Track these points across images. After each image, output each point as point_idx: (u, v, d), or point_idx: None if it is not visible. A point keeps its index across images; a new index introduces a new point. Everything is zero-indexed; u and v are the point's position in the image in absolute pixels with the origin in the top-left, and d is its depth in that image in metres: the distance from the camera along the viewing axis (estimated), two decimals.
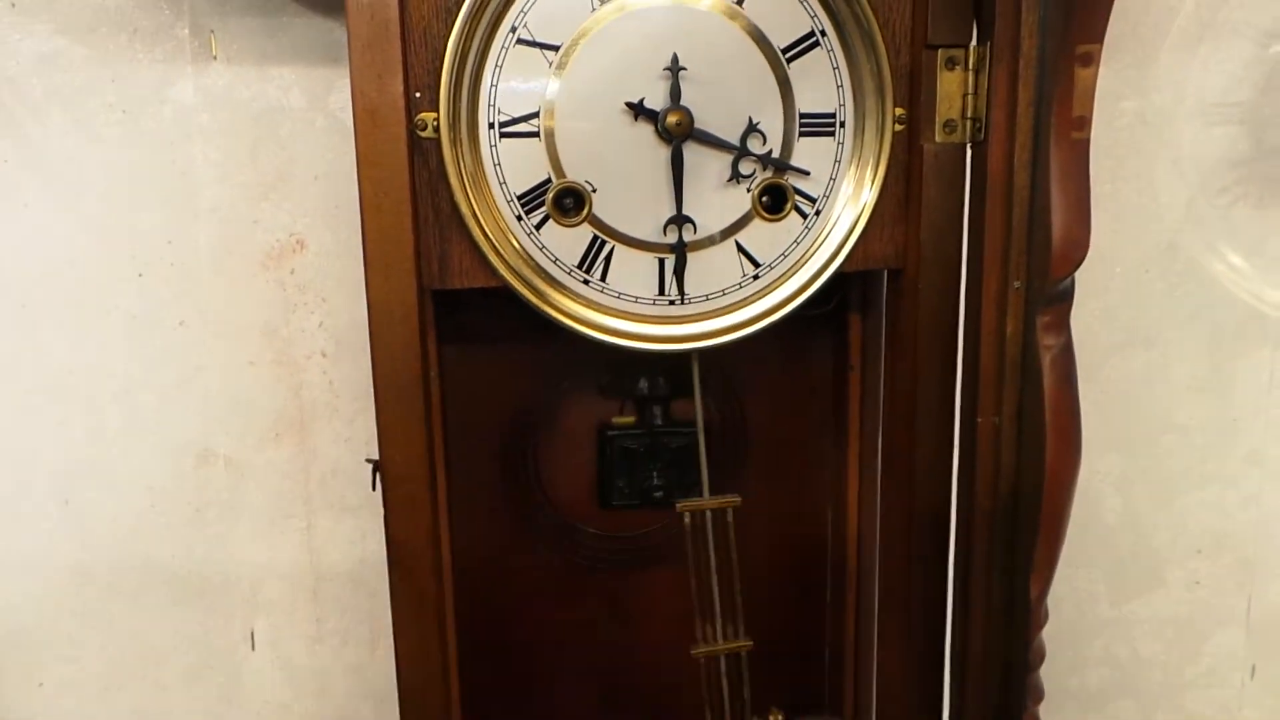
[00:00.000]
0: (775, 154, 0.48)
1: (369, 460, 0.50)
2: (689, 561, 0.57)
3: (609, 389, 0.61)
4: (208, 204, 0.61)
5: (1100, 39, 0.46)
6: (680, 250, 0.49)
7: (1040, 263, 0.47)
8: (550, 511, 0.62)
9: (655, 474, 0.61)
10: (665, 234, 0.49)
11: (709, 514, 0.56)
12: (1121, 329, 0.74)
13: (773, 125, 0.48)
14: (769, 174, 0.49)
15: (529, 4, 0.46)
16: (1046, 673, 0.56)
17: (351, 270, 0.58)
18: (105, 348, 0.62)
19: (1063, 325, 0.46)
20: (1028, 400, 0.48)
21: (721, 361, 0.60)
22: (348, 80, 0.57)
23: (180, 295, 0.62)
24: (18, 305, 0.61)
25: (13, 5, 0.57)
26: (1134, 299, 0.73)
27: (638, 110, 0.47)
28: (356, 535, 0.66)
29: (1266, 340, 0.75)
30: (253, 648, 0.67)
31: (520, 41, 0.46)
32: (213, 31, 0.59)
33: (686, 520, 0.55)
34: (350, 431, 0.65)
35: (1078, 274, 0.51)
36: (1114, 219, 0.70)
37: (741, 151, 0.48)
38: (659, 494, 0.61)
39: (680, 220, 0.48)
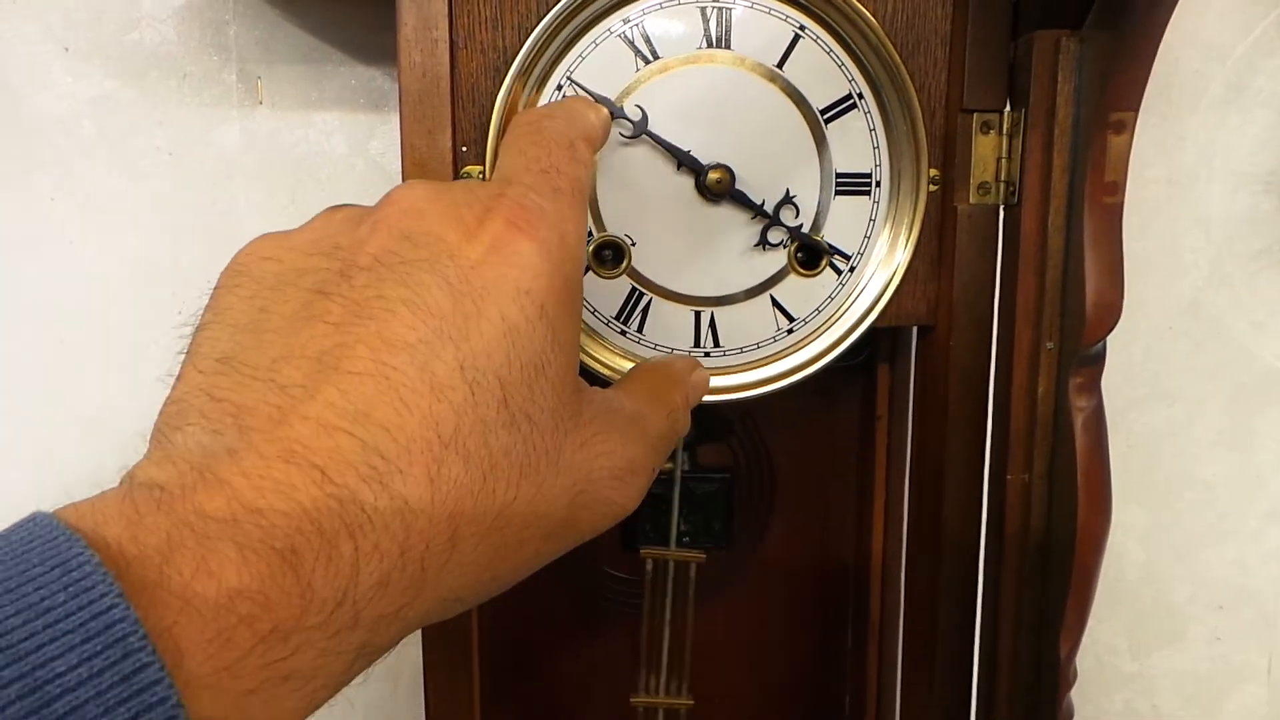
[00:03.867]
0: (810, 218, 0.49)
1: None
2: (644, 608, 0.58)
3: None
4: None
5: (1135, 107, 0.47)
6: (716, 303, 0.50)
7: (1074, 325, 0.47)
8: (575, 552, 0.63)
9: (682, 519, 0.62)
10: (702, 287, 0.50)
11: (671, 564, 0.58)
12: (1144, 384, 0.74)
13: (809, 184, 0.49)
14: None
15: (575, 64, 0.47)
16: None
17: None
18: (142, 384, 0.63)
19: (1094, 387, 0.47)
20: (1059, 459, 0.49)
21: (749, 407, 0.61)
22: (388, 126, 0.59)
23: None
24: (57, 341, 0.62)
25: (66, 50, 0.59)
26: (1157, 355, 0.74)
27: (682, 160, 0.48)
28: None
29: None
30: None
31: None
32: (259, 77, 0.60)
33: (649, 567, 0.57)
34: None
35: None
36: (1138, 276, 0.71)
37: (773, 221, 0.49)
38: (685, 539, 0.62)
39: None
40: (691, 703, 0.59)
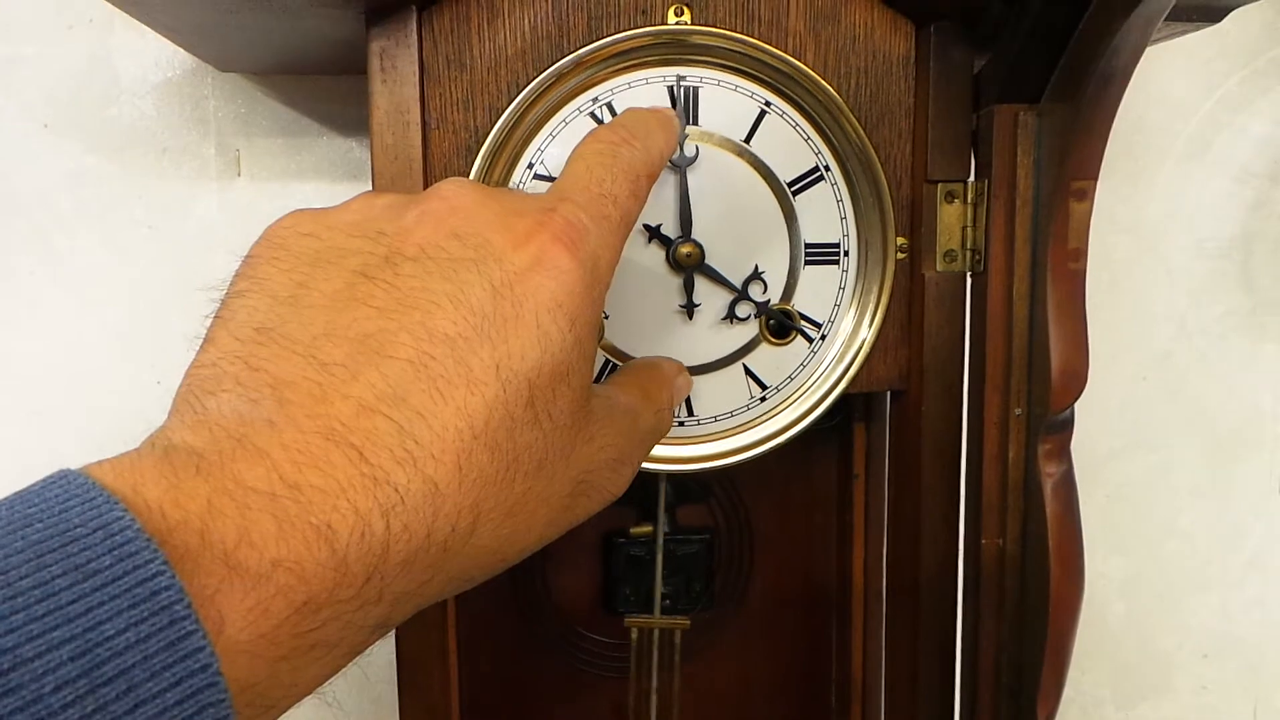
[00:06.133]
0: (781, 287, 0.50)
1: None
2: (630, 676, 0.58)
3: (623, 500, 0.62)
4: None
5: (1095, 175, 0.48)
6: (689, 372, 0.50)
7: (1041, 392, 0.48)
8: (555, 617, 0.63)
9: (664, 580, 0.62)
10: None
11: (656, 633, 0.58)
12: (1123, 434, 0.75)
13: (779, 254, 0.50)
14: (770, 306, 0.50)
15: (546, 142, 0.48)
16: None
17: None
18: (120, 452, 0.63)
19: (1063, 453, 0.47)
20: (1031, 525, 0.49)
21: (728, 469, 0.61)
22: None
23: None
24: (31, 413, 0.62)
25: (45, 126, 0.60)
26: (1133, 405, 0.74)
27: (653, 234, 0.49)
28: None
29: (1265, 444, 0.76)
30: None
31: (537, 177, 0.48)
32: (238, 150, 0.61)
33: (634, 635, 0.57)
34: None
35: None
36: (1111, 328, 0.72)
37: (741, 295, 0.49)
38: (667, 601, 0.62)
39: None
40: None
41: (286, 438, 0.25)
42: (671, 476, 0.59)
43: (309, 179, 0.62)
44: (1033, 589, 0.50)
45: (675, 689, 0.60)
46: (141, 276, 0.61)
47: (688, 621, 0.59)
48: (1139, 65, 0.45)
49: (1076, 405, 0.52)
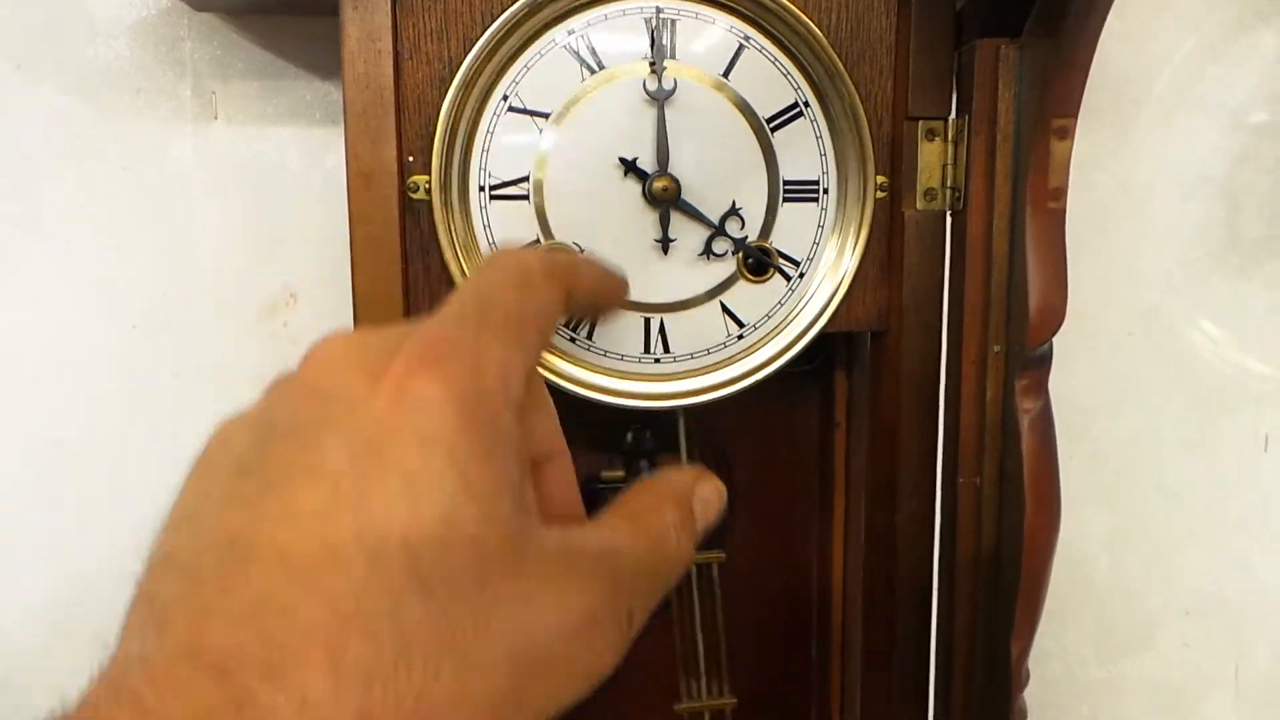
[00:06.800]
0: (759, 224, 0.50)
1: None
2: (673, 616, 0.57)
3: (597, 443, 0.61)
4: (203, 258, 0.62)
5: (1075, 113, 0.48)
6: (666, 309, 0.50)
7: (1019, 328, 0.47)
8: None
9: None
10: (652, 293, 0.50)
11: (694, 568, 0.56)
12: (1110, 390, 0.75)
13: (757, 191, 0.50)
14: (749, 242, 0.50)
15: (521, 74, 0.47)
16: None
17: (344, 324, 0.59)
18: (95, 399, 0.62)
19: (1040, 389, 0.47)
20: (1008, 463, 0.49)
21: (708, 417, 0.61)
22: (344, 140, 0.59)
23: (174, 347, 0.63)
24: (5, 357, 0.61)
25: (18, 67, 0.59)
26: (1120, 361, 0.74)
27: (629, 168, 0.48)
28: None
29: (1251, 401, 0.76)
30: None
31: (511, 109, 0.47)
32: (214, 93, 0.61)
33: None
34: None
35: (1066, 333, 0.52)
36: (1098, 283, 0.72)
37: (718, 231, 0.49)
38: None
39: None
40: (735, 701, 0.58)
41: (155, 668, 0.23)
42: (650, 423, 0.59)
43: (286, 122, 0.61)
44: (1009, 528, 0.49)
45: (721, 622, 0.58)
46: (116, 219, 0.61)
47: (723, 555, 0.58)
48: (1124, 14, 0.45)
49: (1062, 361, 0.52)
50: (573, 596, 0.26)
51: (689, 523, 0.31)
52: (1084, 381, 0.74)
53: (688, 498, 0.32)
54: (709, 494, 0.33)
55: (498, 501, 0.25)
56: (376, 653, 0.22)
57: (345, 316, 0.48)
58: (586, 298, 0.33)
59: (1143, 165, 0.70)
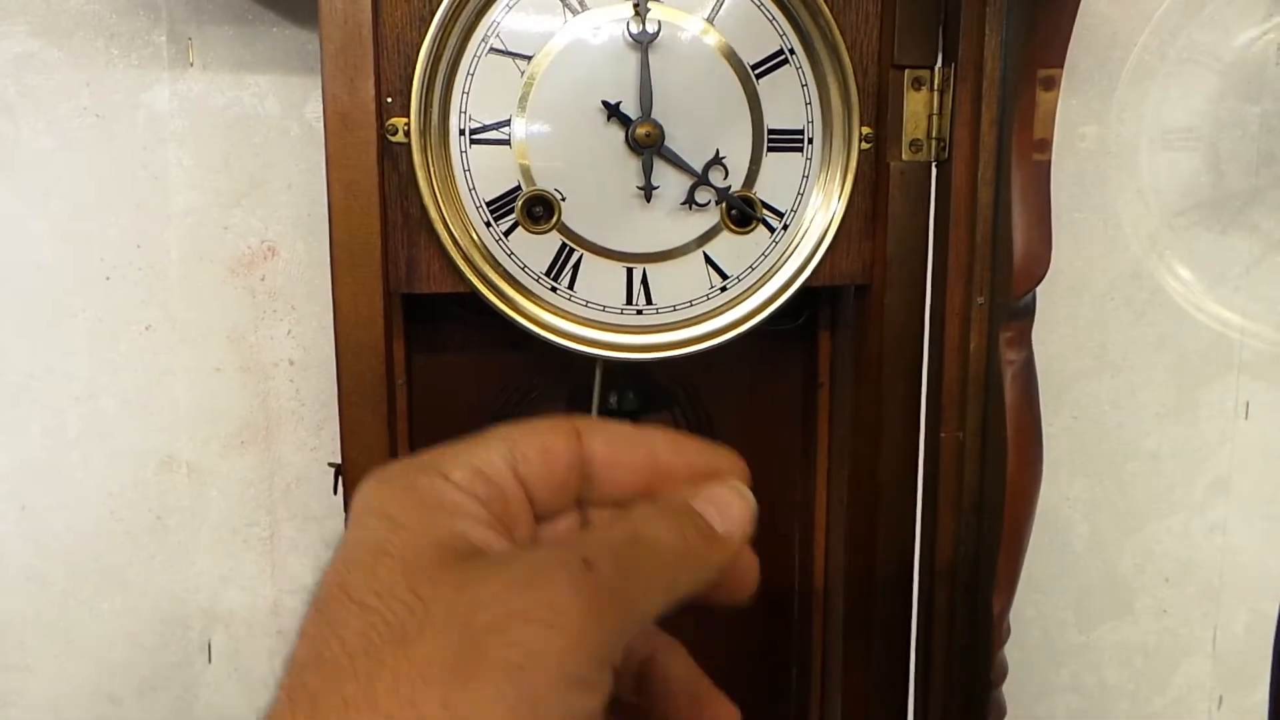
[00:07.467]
0: (743, 174, 0.49)
1: (331, 464, 0.50)
2: None
3: (579, 401, 0.61)
4: (179, 209, 0.61)
5: (1061, 63, 0.47)
6: (648, 259, 0.49)
7: (1003, 279, 0.47)
8: None
9: None
10: (634, 243, 0.49)
11: None
12: (1089, 354, 0.75)
13: (741, 140, 0.49)
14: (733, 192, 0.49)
15: (502, 14, 0.46)
16: (1014, 699, 0.56)
17: (322, 278, 0.58)
18: (69, 351, 0.61)
19: (1024, 340, 0.47)
20: (991, 415, 0.48)
21: (691, 376, 0.60)
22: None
23: (148, 299, 0.62)
24: None
25: None
26: (1100, 325, 0.74)
27: (612, 112, 0.47)
28: (320, 545, 0.65)
29: (1232, 367, 0.77)
30: (209, 660, 0.66)
31: (493, 50, 0.46)
32: (190, 39, 0.59)
33: None
34: (316, 440, 0.64)
35: (1046, 298, 0.52)
36: (1080, 245, 0.72)
37: (701, 180, 0.48)
38: None
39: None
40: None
41: None
42: (634, 380, 0.58)
43: (263, 70, 0.60)
44: (991, 481, 0.49)
45: None
46: (89, 168, 0.59)
47: None
48: None
49: (1041, 326, 0.51)
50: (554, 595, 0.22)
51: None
52: (1065, 346, 0.74)
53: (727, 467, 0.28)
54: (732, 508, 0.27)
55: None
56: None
57: (325, 271, 0.47)
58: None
59: (1125, 122, 0.70)
